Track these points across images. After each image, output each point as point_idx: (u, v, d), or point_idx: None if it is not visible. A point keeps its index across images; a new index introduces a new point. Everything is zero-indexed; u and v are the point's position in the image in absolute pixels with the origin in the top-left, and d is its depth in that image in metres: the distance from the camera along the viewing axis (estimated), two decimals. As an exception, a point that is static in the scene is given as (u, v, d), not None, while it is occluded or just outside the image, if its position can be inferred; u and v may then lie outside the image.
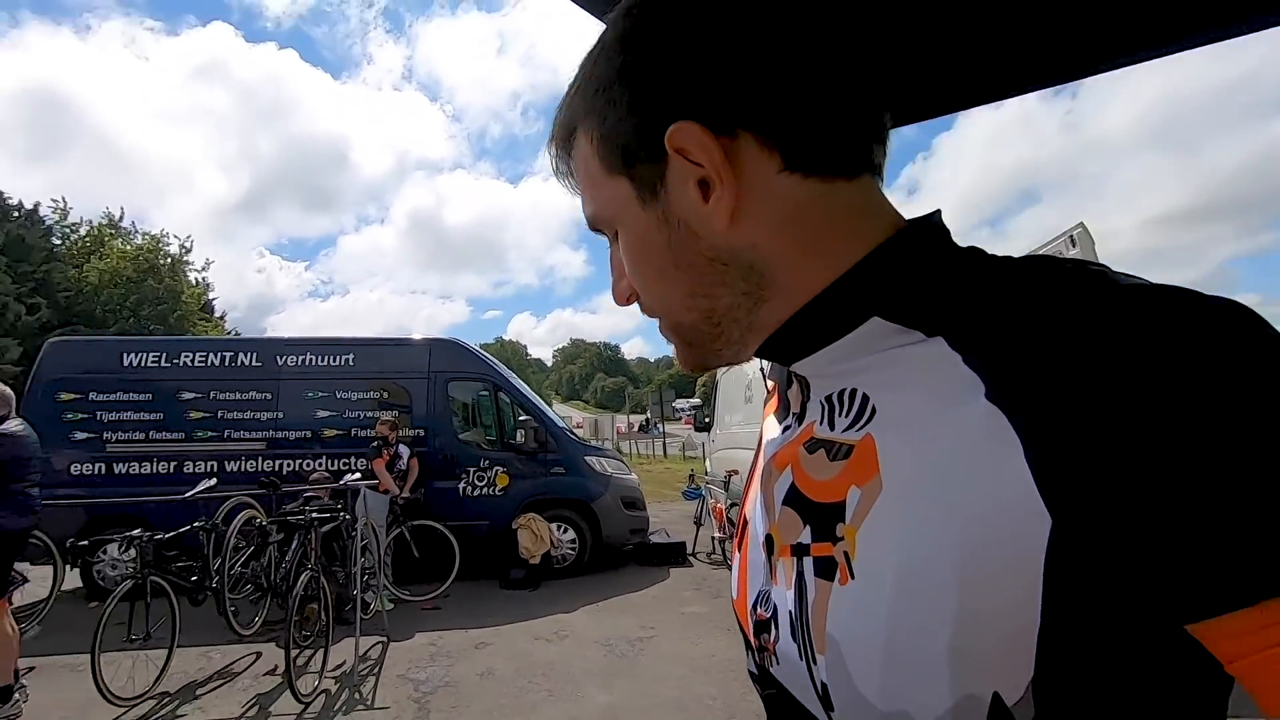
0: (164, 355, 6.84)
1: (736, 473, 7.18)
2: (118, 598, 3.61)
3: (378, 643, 4.75)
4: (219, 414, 6.73)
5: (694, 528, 7.96)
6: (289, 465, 6.65)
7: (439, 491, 6.56)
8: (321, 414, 6.83)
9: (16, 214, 26.41)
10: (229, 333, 32.80)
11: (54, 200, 33.82)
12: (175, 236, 34.69)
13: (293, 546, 4.48)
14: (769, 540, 0.49)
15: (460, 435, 7.01)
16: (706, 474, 9.28)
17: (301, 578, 3.92)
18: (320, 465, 6.60)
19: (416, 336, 7.42)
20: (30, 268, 25.25)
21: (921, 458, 0.38)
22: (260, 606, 4.77)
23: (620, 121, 0.44)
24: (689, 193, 0.43)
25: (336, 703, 3.75)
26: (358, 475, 5.00)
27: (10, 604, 3.75)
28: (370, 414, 6.74)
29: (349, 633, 4.42)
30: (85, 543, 4.30)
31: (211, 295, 34.00)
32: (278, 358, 6.93)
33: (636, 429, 36.56)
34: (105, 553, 6.02)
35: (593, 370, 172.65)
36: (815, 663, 0.43)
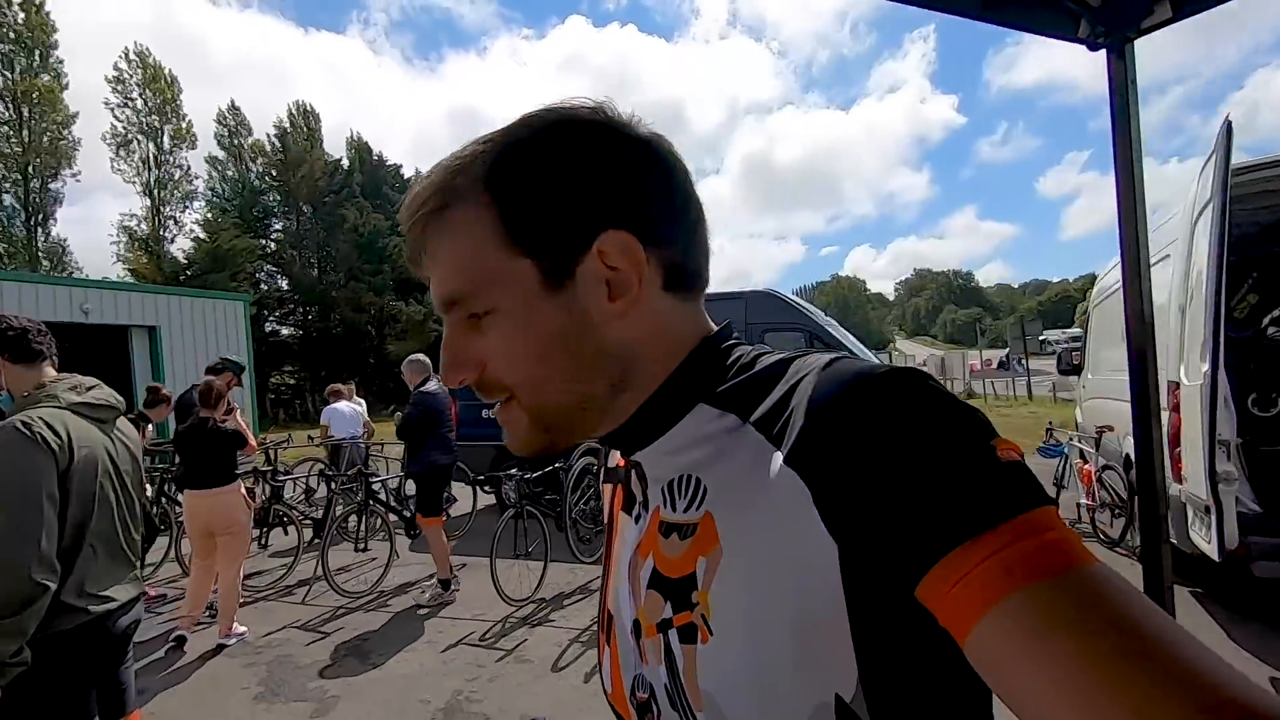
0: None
1: (1111, 429, 5.86)
2: (504, 521, 4.61)
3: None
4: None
5: (1054, 489, 6.76)
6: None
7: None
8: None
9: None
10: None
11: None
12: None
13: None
14: (636, 625, 0.55)
15: (779, 387, 7.09)
16: (1077, 426, 7.74)
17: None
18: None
19: (730, 289, 7.64)
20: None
21: (748, 520, 0.47)
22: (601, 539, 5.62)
23: (546, 212, 0.49)
24: (598, 290, 0.50)
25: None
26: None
27: (447, 517, 5.08)
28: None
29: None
30: (482, 477, 5.58)
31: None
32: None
33: (995, 366, 32.32)
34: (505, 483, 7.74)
35: (941, 302, 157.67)
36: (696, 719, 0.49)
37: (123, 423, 2.04)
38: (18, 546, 1.61)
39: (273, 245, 29.71)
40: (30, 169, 25.24)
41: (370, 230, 28.91)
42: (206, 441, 3.97)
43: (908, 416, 0.42)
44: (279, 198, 30.03)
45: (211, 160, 29.27)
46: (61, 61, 25.51)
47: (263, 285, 28.90)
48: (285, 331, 29.93)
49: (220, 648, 3.97)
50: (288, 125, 30.19)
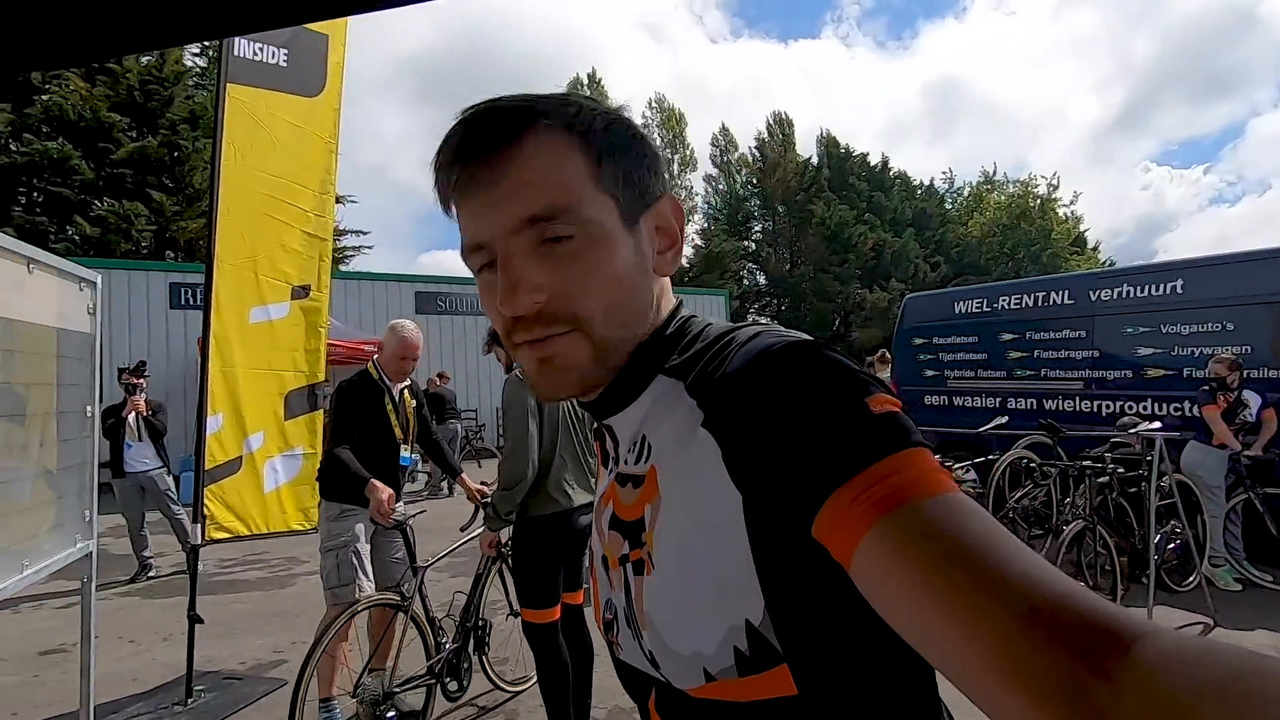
0: (985, 301, 7.50)
1: None
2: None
3: (1198, 623, 4.01)
4: (1035, 353, 6.90)
5: None
6: (1107, 407, 6.20)
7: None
8: (1143, 351, 6.03)
9: (920, 191, 33.02)
10: (1103, 263, 31.57)
11: (943, 172, 40.41)
12: (1042, 177, 35.63)
13: (1075, 492, 4.31)
14: (604, 559, 0.66)
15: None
16: None
17: (1071, 526, 3.78)
18: (1139, 409, 5.88)
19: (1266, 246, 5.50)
20: (930, 233, 31.13)
21: (678, 474, 0.56)
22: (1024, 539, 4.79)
23: (630, 162, 0.58)
24: (653, 239, 0.61)
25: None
26: (1157, 425, 4.28)
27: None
28: (1205, 350, 5.51)
29: (1145, 596, 3.94)
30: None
31: (1084, 227, 33.44)
32: (1091, 293, 6.51)
33: None
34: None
35: None
36: (642, 638, 0.59)
37: None
38: (524, 447, 2.49)
39: (753, 245, 33.41)
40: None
41: (836, 221, 29.85)
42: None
43: (794, 383, 0.49)
44: (759, 202, 33.54)
45: (707, 178, 34.53)
46: (611, 121, 33.55)
47: (744, 281, 32.84)
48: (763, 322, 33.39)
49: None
50: (766, 135, 33.41)
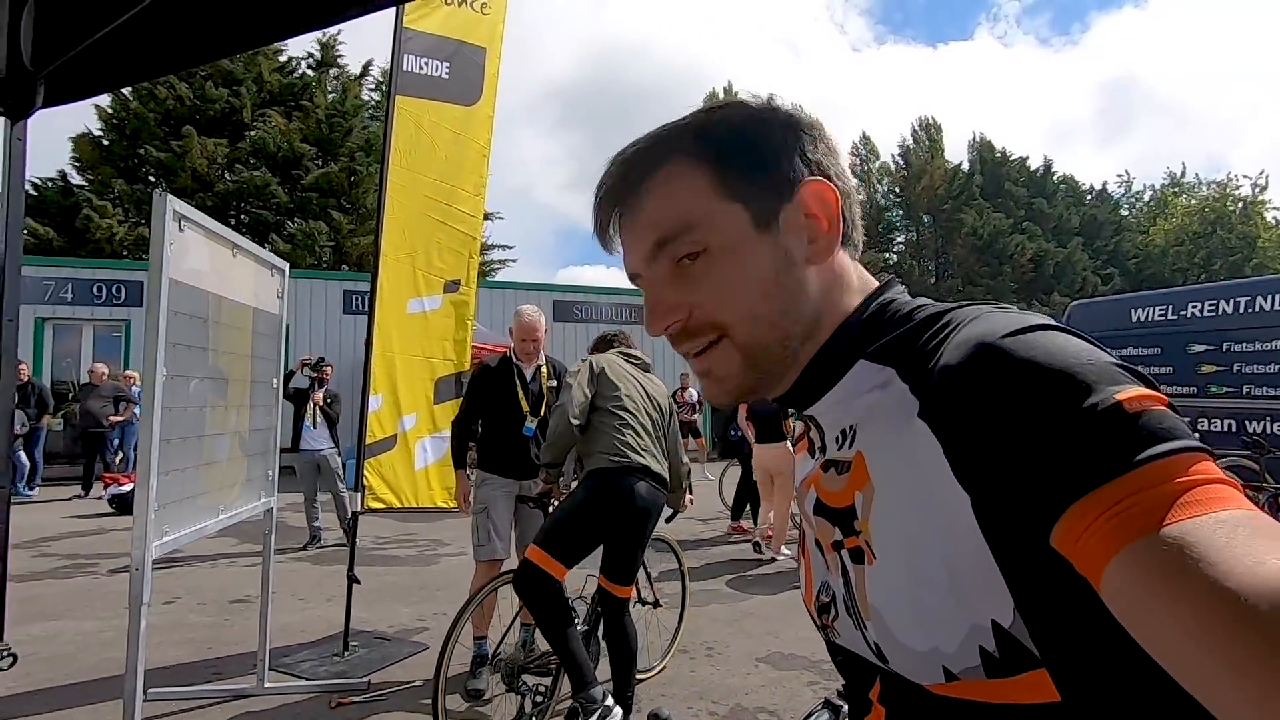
0: (1170, 307, 6.64)
1: None
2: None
3: None
4: (1235, 367, 6.00)
5: None
6: (1329, 430, 5.25)
7: None
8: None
9: (1089, 196, 29.91)
10: (1329, 273, 26.88)
11: (1118, 175, 36.35)
12: (1245, 177, 31.05)
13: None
14: (817, 543, 0.64)
15: None
16: None
17: None
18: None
19: None
20: (1102, 242, 28.08)
21: (892, 463, 0.53)
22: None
23: (756, 163, 0.57)
24: (800, 234, 0.57)
25: None
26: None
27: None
28: None
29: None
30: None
31: (1303, 230, 28.67)
32: (1309, 297, 5.58)
33: None
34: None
35: None
36: (866, 628, 0.56)
37: (652, 373, 3.20)
38: (562, 411, 2.75)
39: (894, 257, 31.80)
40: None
41: (990, 231, 27.75)
42: (770, 413, 5.72)
43: (1027, 373, 0.44)
44: (901, 212, 31.94)
45: (845, 189, 33.37)
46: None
47: (884, 295, 31.33)
48: (904, 337, 31.59)
49: (773, 559, 5.61)
50: (910, 142, 31.82)
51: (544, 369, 3.55)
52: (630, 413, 2.87)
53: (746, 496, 6.99)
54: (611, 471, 2.74)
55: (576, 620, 2.91)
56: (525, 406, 3.44)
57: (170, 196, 2.33)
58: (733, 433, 7.15)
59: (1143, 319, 6.83)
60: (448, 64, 3.87)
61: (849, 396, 0.57)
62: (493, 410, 3.48)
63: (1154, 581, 0.36)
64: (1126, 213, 30.52)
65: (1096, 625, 0.43)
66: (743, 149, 0.57)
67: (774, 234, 0.56)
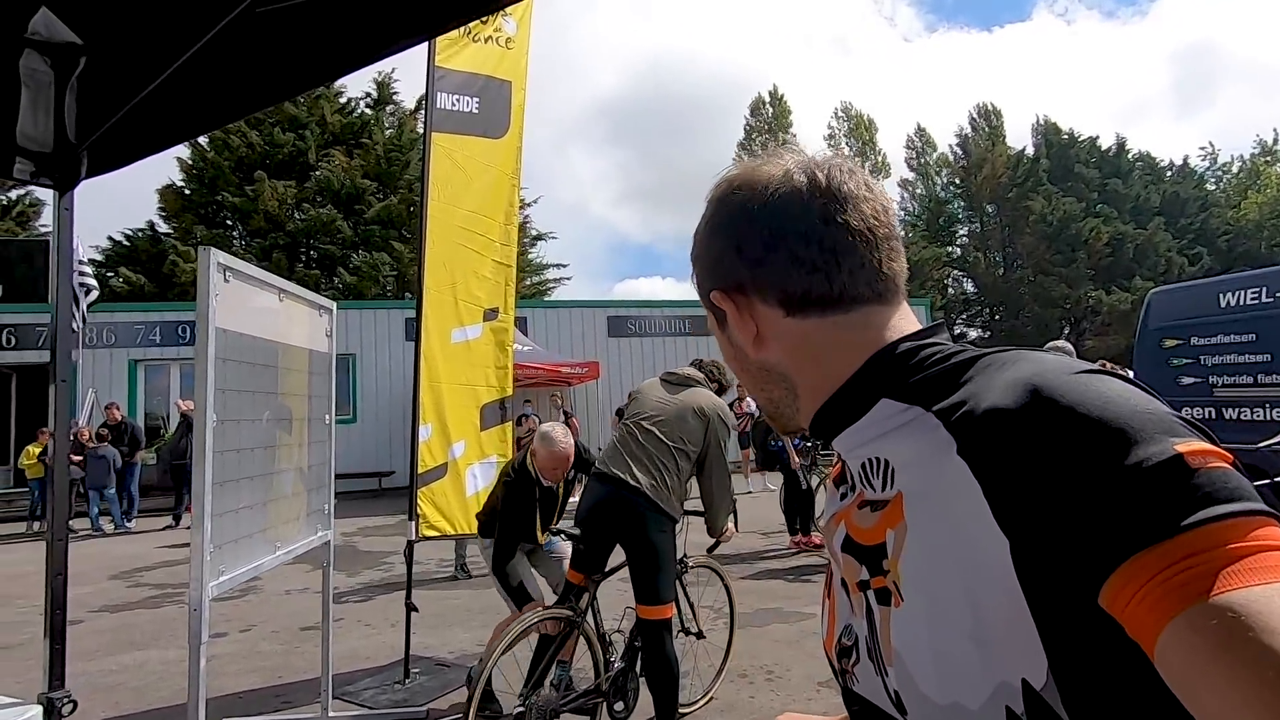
0: (1264, 289, 6.10)
1: None
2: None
3: None
4: (1344, 353, 5.46)
5: None
6: None
7: None
8: None
9: (1169, 173, 28.10)
10: None
11: (1201, 148, 34.03)
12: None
13: None
14: (844, 582, 0.62)
15: None
16: None
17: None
18: None
19: None
20: (1187, 220, 26.29)
21: (927, 503, 0.51)
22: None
23: (699, 282, 0.68)
24: (734, 327, 0.64)
25: None
26: None
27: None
28: None
29: None
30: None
31: None
32: None
33: None
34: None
35: None
36: (887, 674, 0.54)
37: (698, 392, 3.08)
38: None
39: (957, 250, 30.66)
40: (780, 223, 33.57)
41: (1060, 216, 26.41)
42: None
43: (1081, 420, 0.42)
44: (963, 203, 30.80)
45: (903, 183, 32.47)
46: (795, 136, 33.10)
47: (950, 290, 30.18)
48: (972, 334, 30.38)
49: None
50: (969, 131, 30.70)
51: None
52: (629, 428, 2.97)
53: (795, 507, 6.87)
54: (592, 476, 3.03)
55: (613, 654, 2.86)
56: (539, 534, 3.42)
57: (213, 250, 2.44)
58: (773, 443, 7.03)
59: (1233, 303, 6.30)
60: (477, 99, 3.96)
61: (870, 432, 0.58)
62: (509, 519, 3.33)
63: (1212, 651, 0.35)
64: (1213, 187, 28.50)
65: (1141, 698, 0.41)
66: (698, 264, 0.67)
67: (726, 331, 0.66)
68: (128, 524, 9.82)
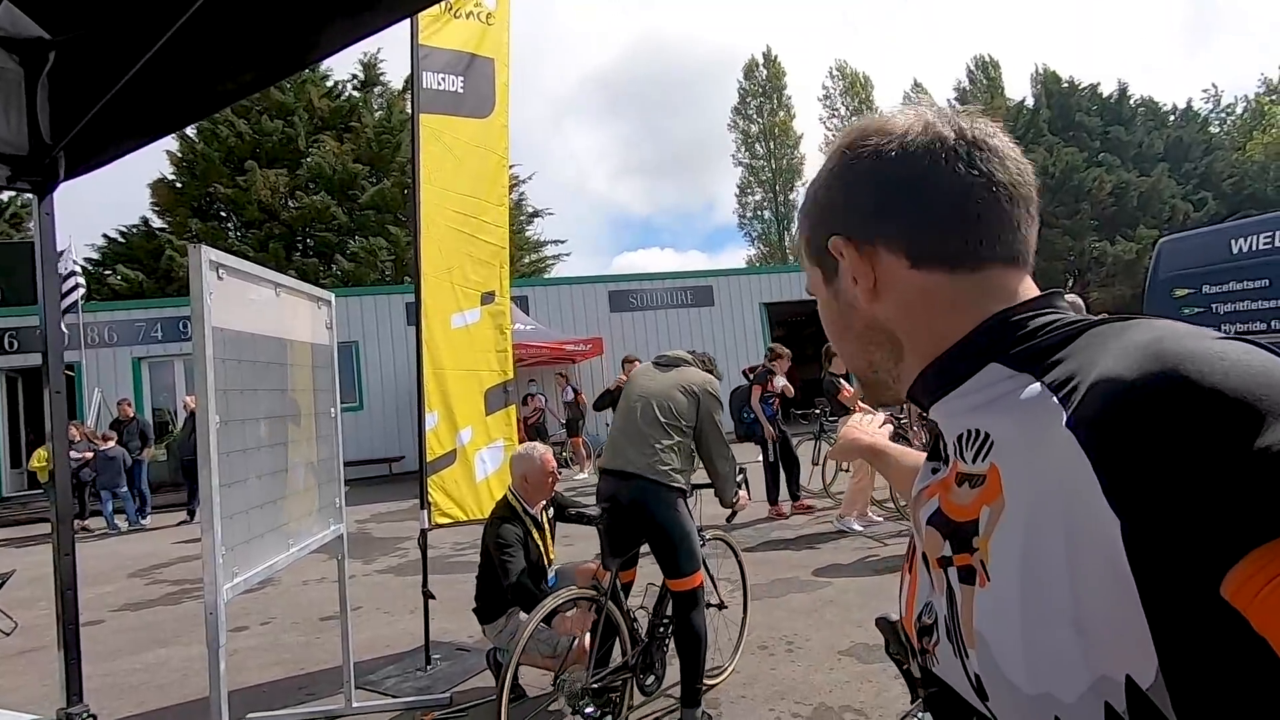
0: (1277, 234, 6.00)
1: None
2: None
3: None
4: (1359, 292, 5.38)
5: None
6: None
7: None
8: None
9: (1172, 118, 27.56)
10: None
11: (1204, 90, 33.36)
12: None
13: None
14: (924, 557, 0.60)
15: None
16: None
17: None
18: None
19: None
20: (1191, 165, 25.86)
21: (1028, 477, 0.47)
22: None
23: (814, 231, 0.66)
24: (846, 280, 0.62)
25: None
26: None
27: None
28: None
29: None
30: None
31: None
32: None
33: None
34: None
35: None
36: (968, 657, 0.51)
37: (686, 371, 3.11)
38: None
39: (959, 207, 30.32)
40: (776, 187, 33.25)
41: (1062, 167, 25.99)
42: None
43: (1211, 392, 0.39)
44: (963, 159, 30.35)
45: (901, 141, 31.99)
46: (790, 97, 32.59)
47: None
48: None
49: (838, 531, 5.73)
50: (967, 84, 30.15)
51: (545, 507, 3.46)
52: (623, 412, 3.05)
53: (776, 478, 7.01)
54: (600, 475, 3.14)
55: (639, 629, 2.85)
56: (551, 553, 3.43)
57: (205, 247, 2.37)
58: (747, 414, 7.03)
59: (1245, 249, 6.20)
60: (462, 79, 3.84)
61: (974, 397, 0.56)
62: (516, 559, 3.21)
63: None
64: (1217, 130, 27.99)
65: (1262, 709, 0.37)
66: (809, 220, 0.66)
67: (833, 286, 0.64)
68: (142, 521, 9.89)
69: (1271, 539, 0.35)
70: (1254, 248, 6.16)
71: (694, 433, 2.99)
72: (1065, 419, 0.45)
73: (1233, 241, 6.37)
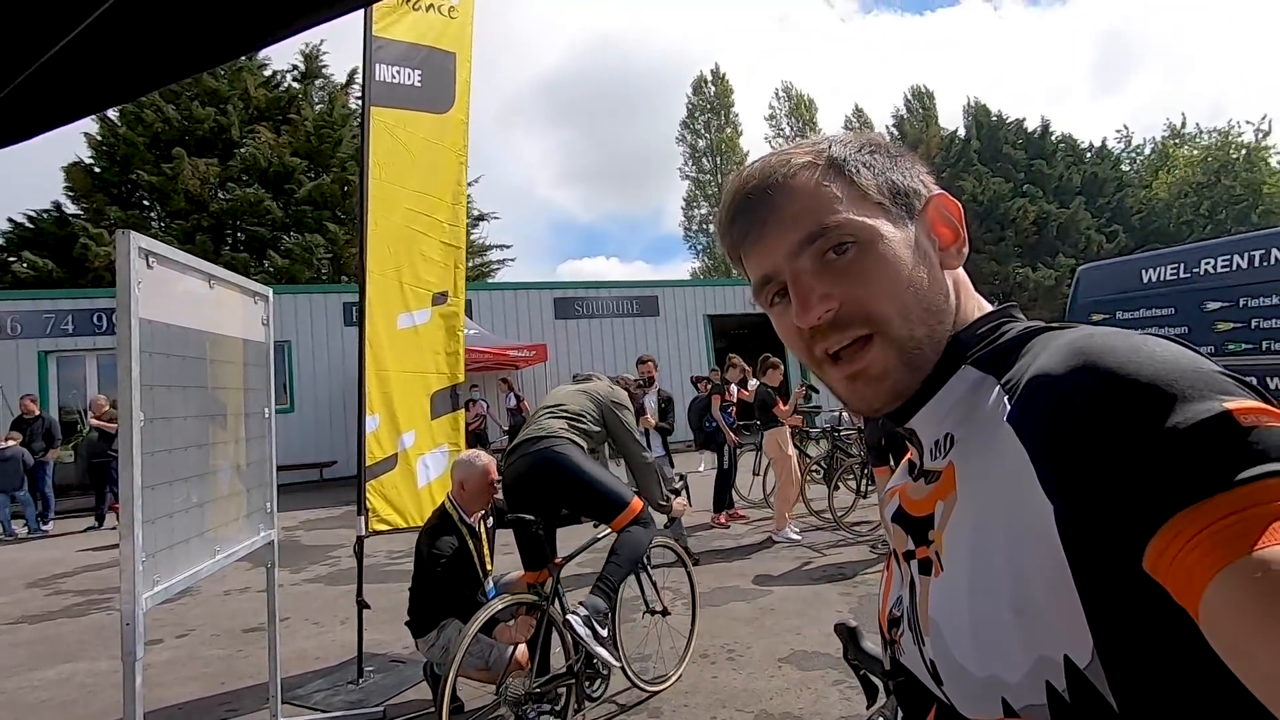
0: (1182, 265, 6.46)
1: None
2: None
3: None
4: (1252, 323, 5.84)
5: None
6: (1357, 383, 5.10)
7: None
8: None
9: (1089, 154, 29.44)
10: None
11: (1117, 131, 35.82)
12: (1247, 123, 30.44)
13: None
14: (894, 553, 0.64)
15: None
16: None
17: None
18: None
19: None
20: (1105, 200, 27.66)
21: (978, 472, 0.51)
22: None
23: (891, 172, 0.61)
24: (936, 233, 0.60)
25: None
26: None
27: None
28: None
29: None
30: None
31: (1307, 177, 28.13)
32: (1327, 246, 5.40)
33: None
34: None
35: None
36: (924, 644, 0.53)
37: (594, 383, 3.42)
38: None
39: (895, 229, 31.52)
40: (723, 202, 33.78)
41: (990, 196, 27.39)
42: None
43: (1127, 379, 0.42)
44: (899, 183, 31.59)
45: (842, 163, 33.05)
46: (737, 115, 33.24)
47: (887, 268, 31.09)
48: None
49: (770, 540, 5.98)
50: (904, 112, 31.44)
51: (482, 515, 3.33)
52: (532, 417, 3.24)
53: (726, 487, 7.10)
54: (506, 455, 3.21)
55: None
56: (489, 564, 3.27)
57: (134, 233, 2.23)
58: (708, 423, 7.15)
59: (1154, 279, 6.66)
60: (419, 72, 3.76)
61: (945, 402, 0.57)
62: (450, 571, 3.07)
63: (1263, 602, 0.33)
64: (1128, 168, 30.05)
65: (1191, 680, 0.40)
66: (873, 160, 0.60)
67: (913, 232, 0.59)
68: (44, 527, 9.18)
69: (1183, 508, 0.37)
70: (1162, 278, 6.62)
71: (607, 434, 3.25)
72: (1006, 414, 0.48)
73: (1143, 271, 6.83)
